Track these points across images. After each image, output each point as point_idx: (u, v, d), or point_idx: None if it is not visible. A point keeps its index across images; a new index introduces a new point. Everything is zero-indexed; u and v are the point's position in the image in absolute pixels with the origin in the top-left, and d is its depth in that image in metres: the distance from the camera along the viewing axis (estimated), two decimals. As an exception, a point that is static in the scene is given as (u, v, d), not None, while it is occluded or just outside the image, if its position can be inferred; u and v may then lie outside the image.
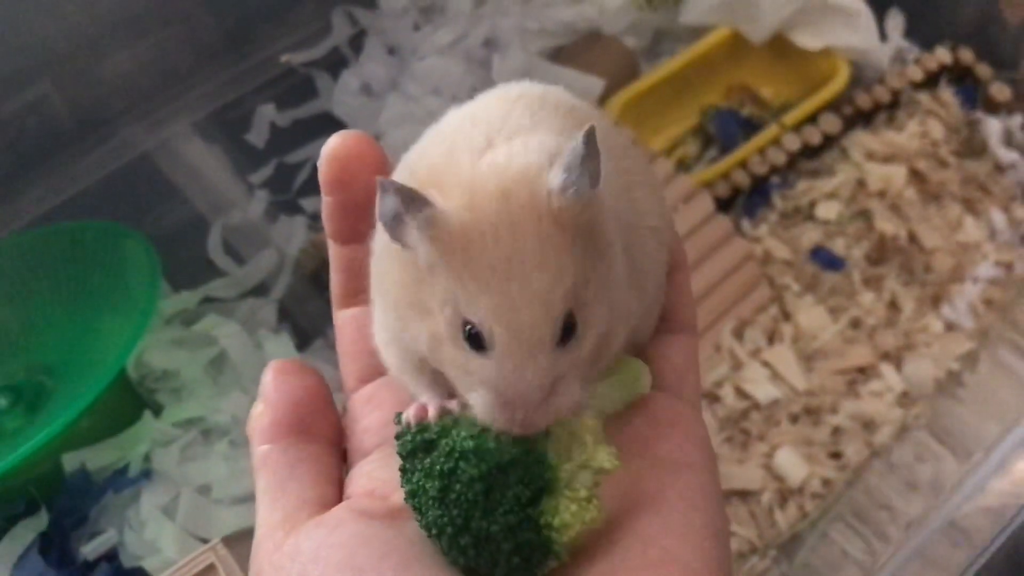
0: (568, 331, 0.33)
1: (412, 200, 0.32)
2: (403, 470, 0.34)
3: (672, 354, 0.42)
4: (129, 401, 0.91)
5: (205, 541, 0.78)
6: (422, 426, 0.35)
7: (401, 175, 0.37)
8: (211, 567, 0.70)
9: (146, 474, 0.86)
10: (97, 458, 0.86)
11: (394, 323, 0.36)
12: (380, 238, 0.37)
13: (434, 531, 0.33)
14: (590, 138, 0.32)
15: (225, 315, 0.97)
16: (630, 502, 0.35)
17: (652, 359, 0.42)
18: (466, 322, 0.33)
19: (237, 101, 1.18)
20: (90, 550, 0.82)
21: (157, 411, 0.90)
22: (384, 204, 0.33)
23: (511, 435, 0.33)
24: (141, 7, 1.11)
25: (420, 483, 0.33)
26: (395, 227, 0.33)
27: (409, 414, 0.36)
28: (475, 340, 0.33)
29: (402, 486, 0.34)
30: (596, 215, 0.34)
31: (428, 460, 0.33)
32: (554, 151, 0.33)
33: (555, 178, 0.32)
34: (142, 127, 1.15)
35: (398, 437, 0.35)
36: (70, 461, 0.85)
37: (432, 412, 0.35)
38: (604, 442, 0.34)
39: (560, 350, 0.33)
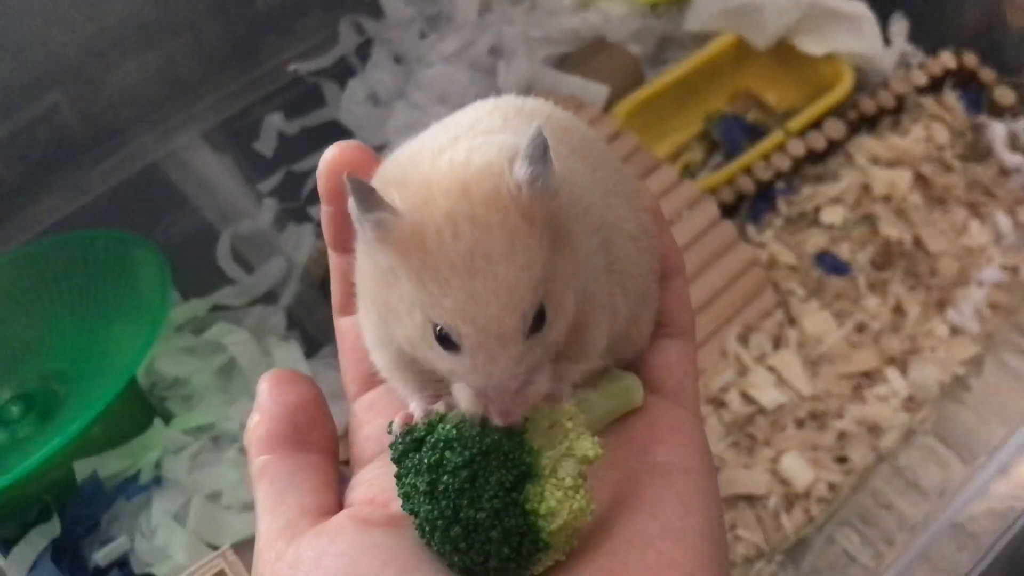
0: (538, 321, 0.33)
1: (366, 201, 0.32)
2: (397, 476, 0.35)
3: (670, 360, 0.42)
4: (140, 409, 0.91)
5: (215, 547, 0.78)
6: (410, 428, 0.35)
7: (376, 177, 0.37)
8: (221, 573, 0.71)
9: (157, 481, 0.87)
10: (108, 465, 0.87)
11: (376, 324, 0.37)
12: (359, 239, 0.37)
13: (427, 528, 0.34)
14: (541, 130, 0.32)
15: (234, 323, 0.98)
16: (628, 506, 0.36)
17: (650, 365, 0.42)
18: (435, 325, 0.33)
19: (245, 110, 1.19)
20: (102, 557, 0.83)
21: (167, 418, 0.91)
22: (351, 203, 0.33)
23: (492, 424, 0.34)
24: (150, 18, 1.12)
25: (412, 482, 0.34)
26: (359, 226, 0.33)
27: (397, 422, 0.36)
28: (445, 340, 0.33)
29: (398, 493, 0.35)
30: (558, 206, 0.34)
31: (417, 457, 0.34)
32: (514, 148, 0.33)
33: (521, 171, 0.32)
34: (152, 137, 1.16)
35: (391, 445, 0.36)
36: (82, 468, 0.85)
37: (418, 416, 0.36)
38: (586, 431, 0.34)
39: (531, 340, 0.33)
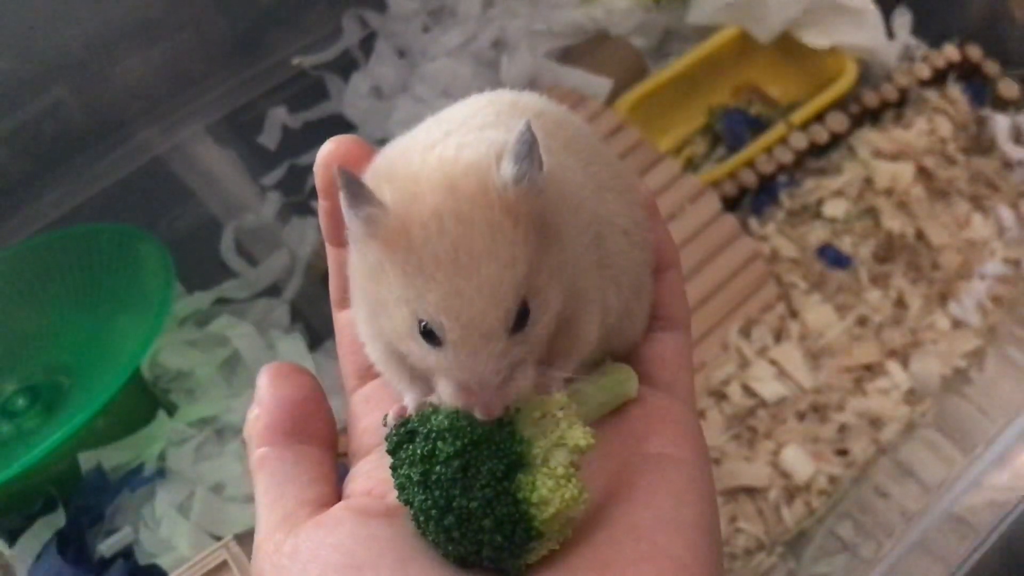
0: (522, 318, 0.33)
1: (355, 196, 0.33)
2: (392, 467, 0.35)
3: (665, 352, 0.42)
4: (144, 401, 0.92)
5: (218, 538, 0.79)
6: (404, 420, 0.36)
7: (369, 171, 0.37)
8: (224, 564, 0.71)
9: (161, 473, 0.88)
10: (113, 457, 0.87)
11: (368, 317, 0.37)
12: (349, 233, 0.37)
13: (422, 518, 0.34)
14: (529, 127, 0.33)
15: (238, 316, 0.99)
16: (622, 496, 0.36)
17: (645, 356, 0.42)
18: (419, 320, 0.33)
19: (249, 104, 1.20)
20: (106, 547, 0.83)
21: (171, 411, 0.91)
22: (340, 197, 0.33)
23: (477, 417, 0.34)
24: (154, 12, 1.12)
25: (406, 473, 0.34)
26: (348, 220, 0.34)
27: (391, 414, 0.37)
28: (429, 335, 0.33)
29: (394, 485, 0.35)
30: (545, 203, 0.34)
31: (411, 448, 0.34)
32: (502, 145, 0.34)
33: (507, 169, 0.33)
34: (156, 131, 1.16)
35: (386, 438, 0.36)
36: (86, 460, 0.86)
37: (411, 408, 0.36)
38: (578, 421, 0.35)
39: (514, 337, 0.33)
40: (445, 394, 0.34)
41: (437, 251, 0.32)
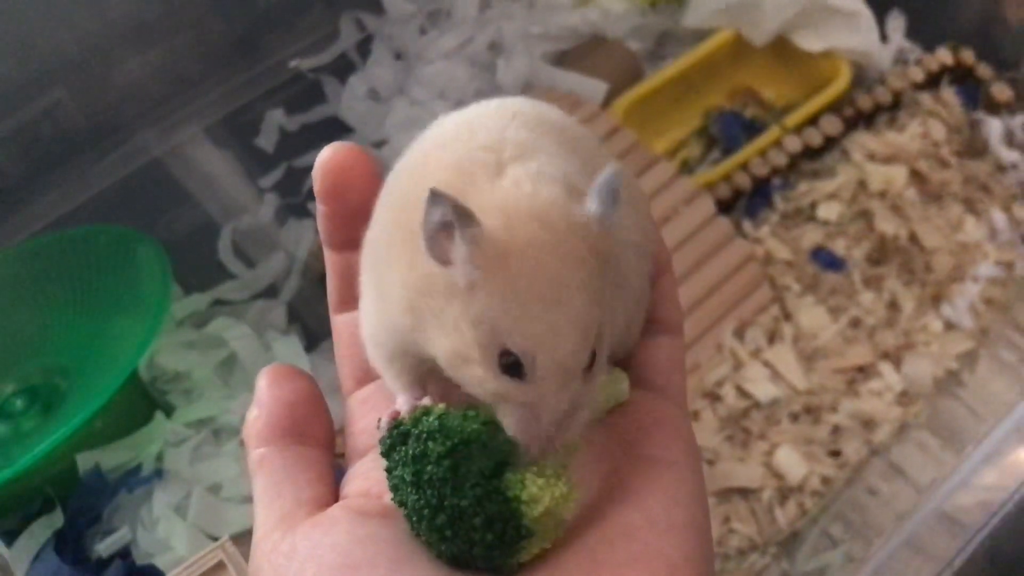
0: (592, 355, 0.34)
1: (462, 215, 0.32)
2: (386, 469, 0.36)
3: (658, 355, 0.43)
4: (141, 402, 0.92)
5: (215, 539, 0.79)
6: (397, 422, 0.36)
7: (397, 185, 0.37)
8: (220, 564, 0.71)
9: (158, 473, 0.88)
10: (110, 458, 0.88)
11: (398, 321, 0.36)
12: (384, 236, 0.37)
13: (415, 518, 0.34)
14: (617, 172, 0.33)
15: (235, 317, 0.99)
16: (614, 498, 0.36)
17: (638, 360, 0.42)
18: (504, 351, 0.33)
19: (247, 106, 1.20)
20: (104, 548, 0.84)
21: (169, 412, 0.92)
22: (432, 215, 0.32)
23: (476, 415, 0.34)
24: (152, 14, 1.13)
25: (399, 474, 0.35)
26: (437, 240, 0.33)
27: (384, 418, 0.37)
28: (513, 368, 0.33)
29: (388, 486, 0.36)
30: (611, 245, 0.34)
31: (403, 449, 0.35)
32: (564, 180, 0.34)
33: (594, 208, 0.33)
34: (154, 133, 1.17)
35: (380, 440, 0.36)
36: (84, 461, 0.86)
37: (403, 411, 0.37)
38: None
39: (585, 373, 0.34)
40: (511, 422, 0.34)
41: (535, 281, 0.32)
